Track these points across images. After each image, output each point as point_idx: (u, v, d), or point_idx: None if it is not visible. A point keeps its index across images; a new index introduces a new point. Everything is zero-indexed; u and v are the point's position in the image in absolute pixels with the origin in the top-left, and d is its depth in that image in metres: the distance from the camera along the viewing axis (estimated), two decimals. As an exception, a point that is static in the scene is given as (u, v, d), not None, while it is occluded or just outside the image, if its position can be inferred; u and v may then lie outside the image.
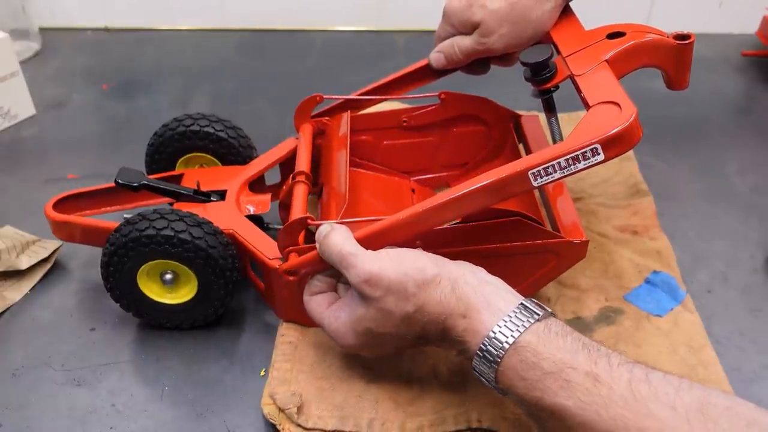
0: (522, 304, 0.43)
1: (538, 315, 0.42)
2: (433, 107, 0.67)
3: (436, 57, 0.63)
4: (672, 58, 0.53)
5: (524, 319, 0.42)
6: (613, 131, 0.43)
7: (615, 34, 0.52)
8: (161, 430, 0.50)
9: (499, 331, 0.42)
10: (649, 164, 0.78)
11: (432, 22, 1.11)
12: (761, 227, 0.70)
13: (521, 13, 0.57)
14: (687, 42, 0.52)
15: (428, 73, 0.66)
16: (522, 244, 0.53)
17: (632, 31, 0.52)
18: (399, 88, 0.67)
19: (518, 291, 0.56)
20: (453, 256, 0.53)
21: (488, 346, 0.42)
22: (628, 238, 0.66)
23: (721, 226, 0.70)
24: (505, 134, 0.68)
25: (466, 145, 0.69)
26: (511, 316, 0.42)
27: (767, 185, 0.76)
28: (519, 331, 0.41)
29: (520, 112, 0.68)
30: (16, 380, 0.54)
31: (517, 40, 0.58)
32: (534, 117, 0.68)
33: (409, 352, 0.55)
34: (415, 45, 1.08)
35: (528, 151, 0.65)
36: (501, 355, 0.41)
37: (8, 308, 0.60)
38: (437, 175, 0.71)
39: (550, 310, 0.43)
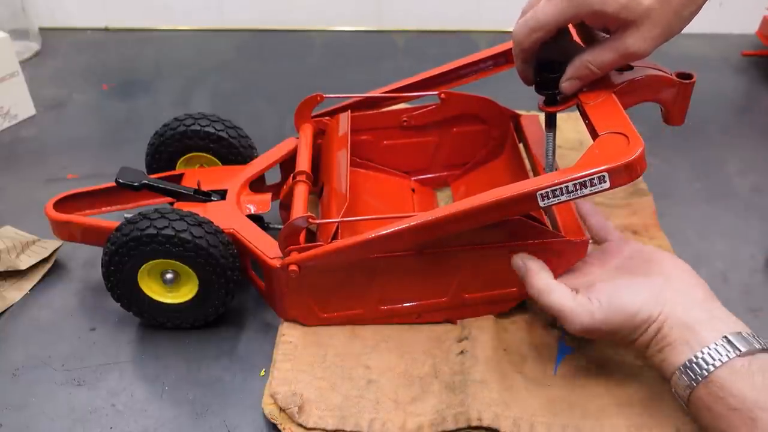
0: (725, 337, 0.44)
1: (740, 351, 0.43)
2: (433, 106, 0.67)
3: (568, 85, 0.52)
4: (673, 95, 0.54)
5: (723, 353, 0.43)
6: (622, 162, 0.45)
7: (623, 66, 0.53)
8: (161, 429, 0.50)
9: (692, 365, 0.43)
10: (649, 164, 0.76)
11: (432, 22, 1.12)
12: (761, 227, 0.70)
13: (677, 11, 0.47)
14: (688, 81, 0.54)
15: (447, 79, 0.66)
16: (523, 243, 0.53)
17: (639, 65, 0.53)
18: (412, 91, 0.67)
19: (517, 291, 0.56)
20: (454, 255, 0.53)
21: (677, 382, 0.44)
22: (627, 237, 0.66)
23: (721, 226, 0.70)
24: (505, 134, 0.68)
25: (467, 145, 0.69)
26: (709, 350, 0.43)
27: (767, 185, 0.76)
28: (710, 369, 0.43)
29: (520, 112, 0.68)
30: (16, 380, 0.54)
31: (662, 40, 0.49)
32: (534, 117, 0.68)
33: (409, 352, 0.55)
34: (415, 45, 1.08)
35: (528, 151, 0.65)
36: (689, 391, 0.44)
37: (8, 308, 0.60)
38: (437, 174, 0.71)
39: (761, 344, 0.44)
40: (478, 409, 0.50)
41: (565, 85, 0.52)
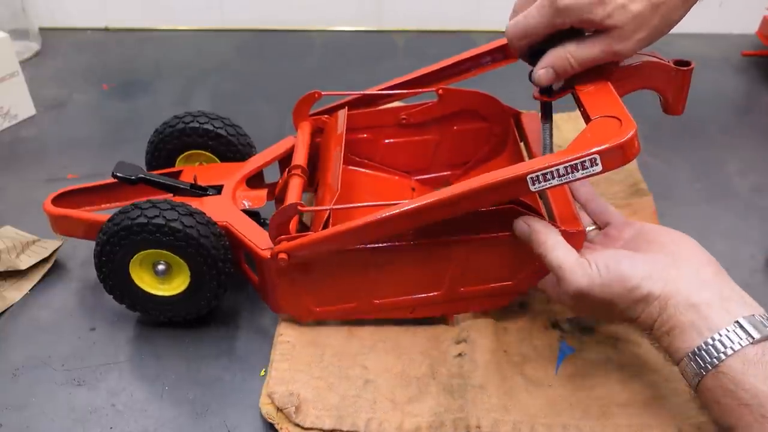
0: (737, 322, 0.42)
1: (753, 338, 0.41)
2: (431, 103, 0.66)
3: (543, 73, 0.51)
4: (670, 83, 0.54)
5: (735, 340, 0.41)
6: (613, 144, 0.44)
7: None
8: (161, 429, 0.50)
9: (701, 352, 0.42)
10: (649, 164, 0.78)
11: (432, 22, 1.12)
12: (761, 227, 0.70)
13: (666, 16, 0.48)
14: (686, 68, 0.53)
15: (444, 75, 0.66)
16: None
17: (635, 53, 0.53)
18: (410, 88, 0.66)
19: (515, 282, 0.55)
20: (447, 247, 0.53)
21: (685, 368, 0.43)
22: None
23: (721, 226, 0.70)
24: (506, 131, 0.67)
25: (467, 143, 0.68)
26: (720, 336, 0.41)
27: (767, 185, 0.76)
28: (721, 357, 0.41)
29: (521, 111, 0.68)
30: (16, 380, 0.54)
31: (648, 44, 0.49)
32: (534, 115, 0.67)
33: (406, 353, 0.55)
34: (415, 45, 1.08)
35: (529, 149, 0.64)
36: (698, 380, 0.42)
37: (8, 308, 0.60)
38: (439, 174, 0.70)
39: None
40: (477, 416, 0.50)
41: (540, 73, 0.51)
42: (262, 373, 0.55)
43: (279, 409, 0.50)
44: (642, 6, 0.47)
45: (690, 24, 0.49)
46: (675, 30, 0.50)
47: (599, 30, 0.49)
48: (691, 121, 0.87)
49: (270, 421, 0.50)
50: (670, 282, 0.45)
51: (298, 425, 0.49)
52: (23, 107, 0.87)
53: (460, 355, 0.55)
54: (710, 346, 0.41)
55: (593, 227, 0.56)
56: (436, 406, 0.51)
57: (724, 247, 0.67)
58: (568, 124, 0.81)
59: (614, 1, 0.46)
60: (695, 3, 0.49)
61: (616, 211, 0.56)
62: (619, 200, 0.71)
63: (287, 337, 0.56)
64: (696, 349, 0.42)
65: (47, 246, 0.64)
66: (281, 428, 0.49)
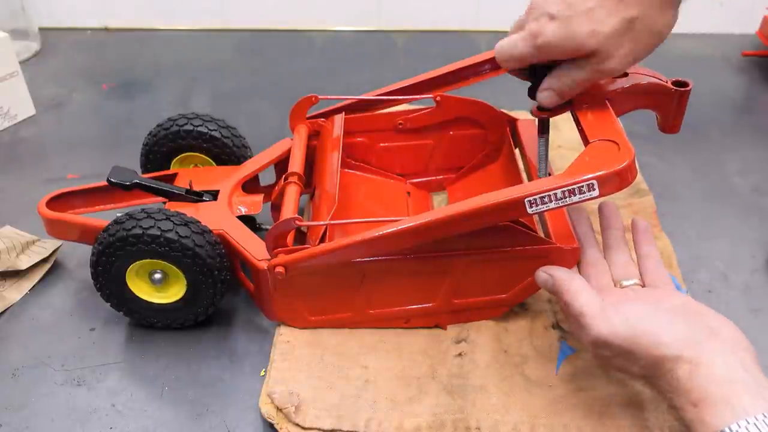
0: None
1: None
2: (429, 110, 0.66)
3: (546, 96, 0.52)
4: (668, 103, 0.54)
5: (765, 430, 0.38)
6: (611, 170, 0.45)
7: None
8: (161, 429, 0.50)
9: None
10: (649, 164, 0.78)
11: (432, 22, 1.12)
12: (761, 227, 0.70)
13: (646, 27, 0.48)
14: (684, 89, 0.53)
15: (443, 82, 0.65)
16: (512, 249, 0.53)
17: (634, 72, 0.53)
18: (408, 93, 0.66)
19: (509, 296, 0.56)
20: (442, 260, 0.53)
21: None
22: (628, 238, 0.66)
23: (721, 226, 0.70)
24: (501, 138, 0.67)
25: (463, 148, 0.68)
26: (756, 420, 0.38)
27: (767, 185, 0.76)
28: None
29: (517, 116, 0.68)
30: (16, 380, 0.54)
31: (640, 55, 0.50)
32: (531, 122, 0.67)
33: (406, 353, 0.55)
34: (415, 45, 1.08)
35: (524, 156, 0.64)
36: None
37: (8, 308, 0.60)
38: (433, 178, 0.71)
39: None
40: (477, 418, 0.50)
41: (543, 96, 0.52)
42: (262, 373, 0.55)
43: (279, 409, 0.50)
44: (613, 25, 0.47)
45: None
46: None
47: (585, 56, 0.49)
48: (691, 121, 0.87)
49: (270, 420, 0.50)
50: (706, 352, 0.43)
51: (297, 425, 0.49)
52: (23, 107, 0.87)
53: (460, 355, 0.55)
54: (745, 429, 0.39)
55: (635, 281, 0.52)
56: (436, 407, 0.51)
57: (724, 247, 0.67)
58: (568, 124, 0.81)
59: (582, 30, 0.47)
60: (678, 5, 0.49)
61: (670, 277, 0.53)
62: (620, 200, 0.71)
63: (287, 337, 0.56)
64: (728, 429, 0.39)
65: (47, 246, 0.64)
66: (281, 428, 0.49)
